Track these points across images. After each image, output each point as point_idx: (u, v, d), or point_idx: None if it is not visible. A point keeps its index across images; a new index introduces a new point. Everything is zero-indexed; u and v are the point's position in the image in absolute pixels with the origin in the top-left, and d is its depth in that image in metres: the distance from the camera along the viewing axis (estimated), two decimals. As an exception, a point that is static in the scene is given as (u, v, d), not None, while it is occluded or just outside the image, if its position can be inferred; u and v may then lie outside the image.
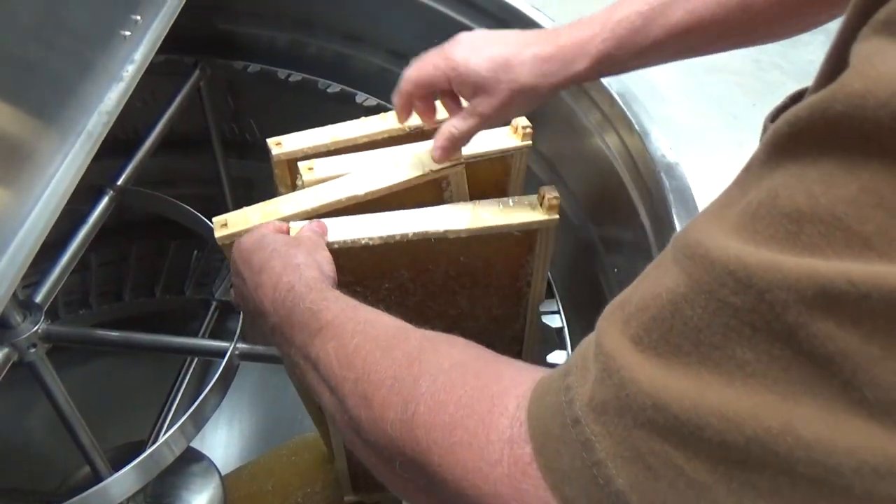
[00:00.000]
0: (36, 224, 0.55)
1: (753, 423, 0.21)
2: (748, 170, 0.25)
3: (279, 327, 0.47)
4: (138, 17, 0.65)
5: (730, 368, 0.22)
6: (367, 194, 0.66)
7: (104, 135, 0.60)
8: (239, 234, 0.63)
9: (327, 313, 0.43)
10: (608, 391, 0.25)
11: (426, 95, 0.64)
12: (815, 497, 0.21)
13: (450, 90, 0.62)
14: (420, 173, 0.67)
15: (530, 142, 0.72)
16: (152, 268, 1.20)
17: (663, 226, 0.65)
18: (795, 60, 2.43)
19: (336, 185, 0.67)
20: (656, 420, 0.23)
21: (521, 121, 0.72)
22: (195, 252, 1.22)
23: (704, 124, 2.12)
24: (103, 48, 0.61)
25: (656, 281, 0.25)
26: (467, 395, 0.31)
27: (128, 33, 0.63)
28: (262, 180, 1.19)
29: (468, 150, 0.68)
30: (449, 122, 0.63)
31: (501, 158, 0.73)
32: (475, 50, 0.59)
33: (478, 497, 0.29)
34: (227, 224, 0.64)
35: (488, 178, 0.75)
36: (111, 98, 0.61)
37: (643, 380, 0.24)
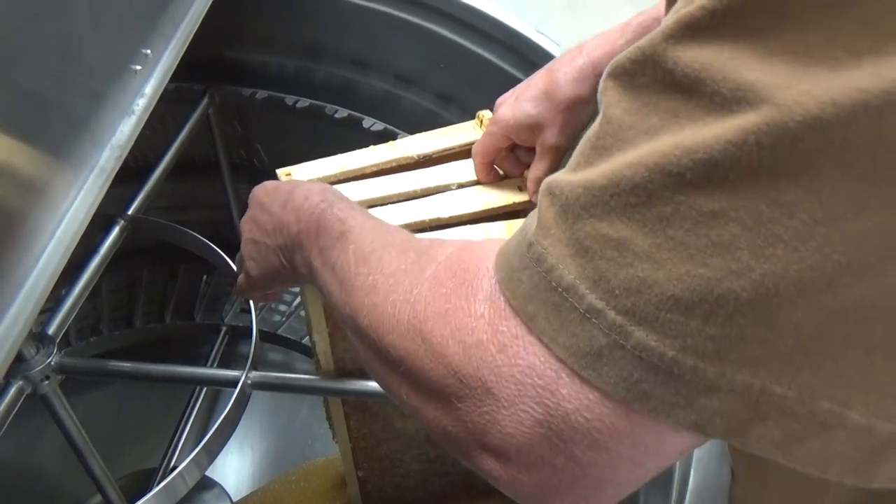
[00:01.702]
0: (51, 260, 0.55)
1: (653, 156, 0.24)
2: None
3: (301, 235, 0.49)
4: (148, 51, 0.65)
5: (637, 138, 0.25)
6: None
7: (116, 169, 0.61)
8: None
9: (352, 220, 0.46)
10: (554, 209, 0.28)
11: (501, 159, 0.69)
12: (705, 199, 0.23)
13: (513, 146, 0.67)
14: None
15: None
16: (162, 293, 1.20)
17: None
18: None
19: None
20: (587, 203, 0.26)
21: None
22: (204, 277, 1.22)
23: None
24: (115, 82, 0.61)
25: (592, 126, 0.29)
26: (461, 269, 0.34)
27: (138, 67, 0.64)
28: (271, 204, 1.20)
29: (482, 206, 0.70)
30: (532, 170, 0.67)
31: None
32: (516, 102, 0.65)
33: (462, 352, 0.31)
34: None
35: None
36: (123, 132, 0.62)
37: (577, 179, 0.27)
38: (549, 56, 0.82)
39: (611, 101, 0.27)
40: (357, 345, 0.40)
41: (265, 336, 1.17)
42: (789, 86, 0.22)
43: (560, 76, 0.62)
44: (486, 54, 0.89)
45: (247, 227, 0.58)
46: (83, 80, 0.58)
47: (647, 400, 0.26)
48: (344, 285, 0.41)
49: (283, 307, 1.23)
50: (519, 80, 0.86)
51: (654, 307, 0.25)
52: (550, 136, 0.63)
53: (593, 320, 0.26)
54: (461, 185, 0.72)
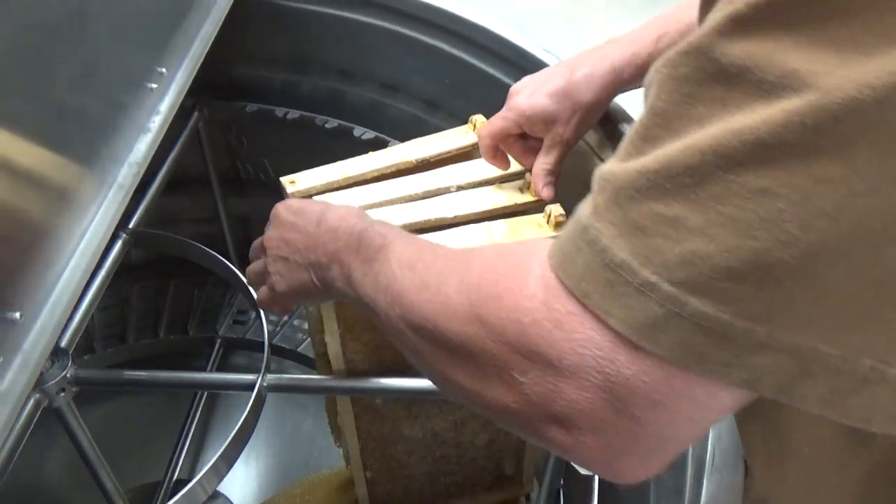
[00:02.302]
0: (74, 274, 0.57)
1: (705, 140, 0.27)
2: None
3: (340, 252, 0.52)
4: (163, 70, 0.67)
5: (690, 126, 0.28)
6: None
7: (135, 185, 0.62)
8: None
9: (392, 235, 0.49)
10: (606, 194, 0.30)
11: (510, 143, 0.71)
12: (754, 178, 0.26)
13: (522, 135, 0.69)
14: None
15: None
16: (154, 309, 1.21)
17: None
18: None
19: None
20: (641, 186, 0.29)
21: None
22: (195, 291, 1.23)
23: None
24: (132, 100, 0.63)
25: (639, 116, 0.31)
26: (512, 259, 0.37)
27: (154, 85, 0.66)
28: (259, 217, 1.20)
29: (485, 206, 0.72)
30: (538, 163, 0.69)
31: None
32: (534, 92, 0.67)
33: (519, 329, 0.33)
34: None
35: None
36: (140, 149, 0.63)
37: (631, 166, 0.30)
38: (533, 59, 0.84)
39: (659, 93, 0.29)
40: (409, 342, 0.42)
41: (256, 346, 1.18)
42: (830, 72, 0.24)
43: (582, 79, 0.66)
44: (471, 59, 0.91)
45: (274, 245, 0.59)
46: (104, 98, 0.59)
47: (703, 362, 0.28)
48: (390, 289, 0.44)
49: (273, 317, 1.24)
50: (504, 84, 0.89)
51: (708, 277, 0.27)
52: (564, 132, 0.67)
53: (648, 293, 0.28)
54: (461, 187, 0.74)
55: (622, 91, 0.68)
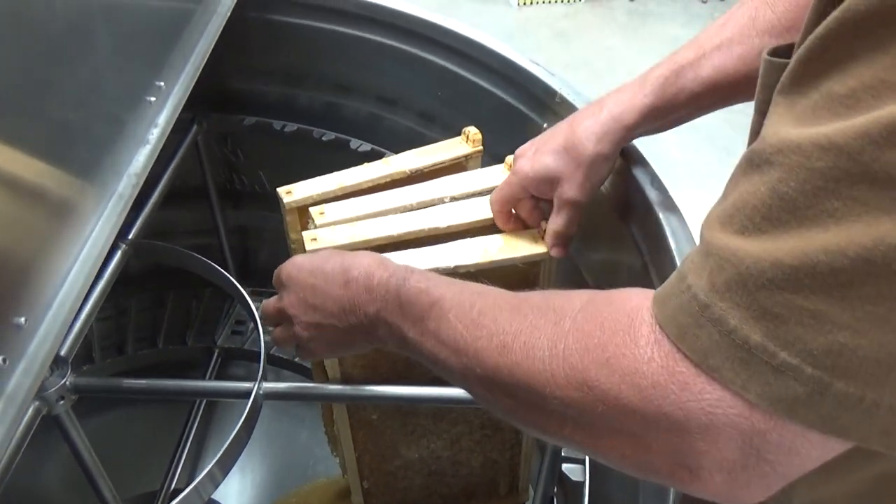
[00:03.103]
0: (75, 284, 0.58)
1: (853, 246, 0.28)
2: (785, 89, 0.32)
3: (382, 312, 0.52)
4: (162, 83, 0.69)
5: (823, 219, 0.29)
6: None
7: (134, 196, 0.63)
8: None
9: (436, 290, 0.49)
10: (727, 274, 0.31)
11: (521, 205, 0.70)
12: None
13: (531, 198, 0.68)
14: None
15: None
16: (153, 319, 1.22)
17: (661, 258, 0.68)
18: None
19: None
20: (775, 277, 0.30)
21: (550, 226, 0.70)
22: (194, 301, 1.24)
23: (697, 159, 2.19)
24: (132, 113, 0.65)
25: (747, 186, 0.32)
26: (608, 320, 0.37)
27: (153, 98, 0.67)
28: (256, 228, 1.22)
29: (477, 217, 0.72)
30: (550, 223, 0.68)
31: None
32: (535, 154, 0.66)
33: (638, 393, 0.34)
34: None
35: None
36: (139, 160, 0.65)
37: (757, 252, 0.30)
38: (527, 74, 0.86)
39: (787, 178, 0.30)
40: (497, 403, 0.43)
41: (254, 356, 1.19)
42: None
43: (581, 131, 0.64)
44: (465, 73, 0.93)
45: (300, 311, 0.58)
46: (104, 111, 0.60)
47: (844, 432, 0.31)
48: (462, 351, 0.44)
49: (270, 328, 1.25)
50: (496, 96, 0.91)
51: (857, 366, 0.29)
52: (569, 190, 0.65)
53: (788, 374, 0.30)
54: (454, 198, 0.76)
55: (631, 139, 0.66)
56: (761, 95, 0.36)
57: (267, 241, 1.22)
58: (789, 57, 0.32)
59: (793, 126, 0.30)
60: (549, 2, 2.94)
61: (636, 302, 0.37)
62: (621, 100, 0.63)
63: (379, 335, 0.54)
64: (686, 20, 2.90)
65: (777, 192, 0.30)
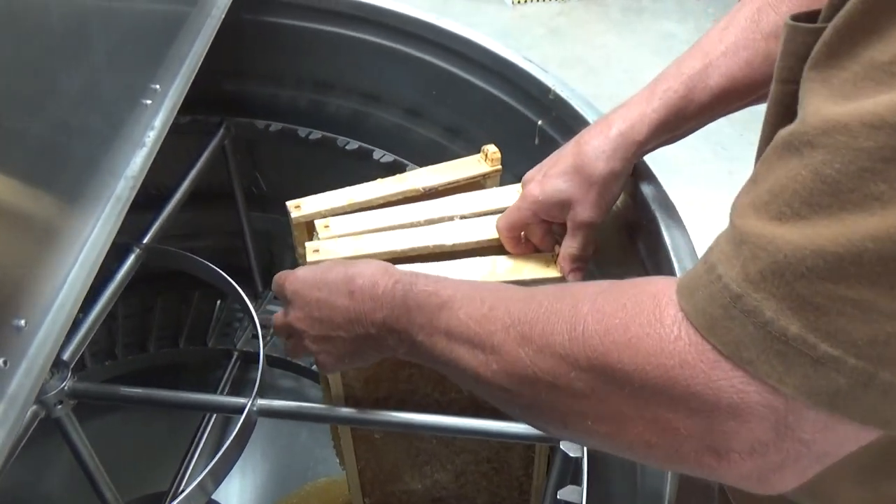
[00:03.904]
0: (74, 286, 0.58)
1: None
2: (819, 63, 0.30)
3: (389, 319, 0.51)
4: (157, 86, 0.69)
5: (868, 203, 0.27)
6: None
7: (131, 198, 0.63)
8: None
9: (445, 291, 0.48)
10: (762, 263, 0.30)
11: (531, 231, 0.68)
12: None
13: (542, 222, 0.66)
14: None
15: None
16: (176, 318, 1.23)
17: (660, 263, 0.66)
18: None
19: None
20: (816, 266, 0.28)
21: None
22: (218, 302, 1.24)
23: (694, 156, 2.16)
24: (128, 116, 0.65)
25: (785, 170, 0.30)
26: (631, 302, 0.36)
27: (149, 101, 0.67)
28: (282, 233, 1.22)
29: (486, 236, 0.70)
30: (564, 245, 0.66)
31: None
32: (545, 178, 0.64)
33: (664, 373, 0.33)
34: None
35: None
36: (136, 163, 0.65)
37: (797, 240, 0.29)
38: (556, 96, 0.83)
39: (831, 160, 0.28)
40: (514, 397, 0.41)
41: (275, 362, 1.19)
42: None
43: (590, 150, 0.61)
44: (491, 90, 0.91)
45: (307, 326, 0.57)
46: (101, 114, 0.61)
47: (887, 424, 0.30)
48: (478, 346, 0.43)
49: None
50: (522, 115, 0.88)
51: None
52: (582, 212, 0.62)
53: (830, 365, 0.29)
54: (463, 217, 0.73)
55: (642, 154, 0.64)
56: (783, 63, 0.34)
57: (291, 246, 1.22)
58: (812, 22, 0.31)
59: (833, 103, 0.28)
60: (544, 0, 2.92)
61: (661, 285, 0.36)
62: (629, 116, 0.61)
63: (388, 344, 0.53)
64: (681, 16, 2.83)
65: (819, 175, 0.28)
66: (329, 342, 0.57)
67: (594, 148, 0.61)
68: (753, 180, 0.33)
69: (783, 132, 0.31)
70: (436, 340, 0.46)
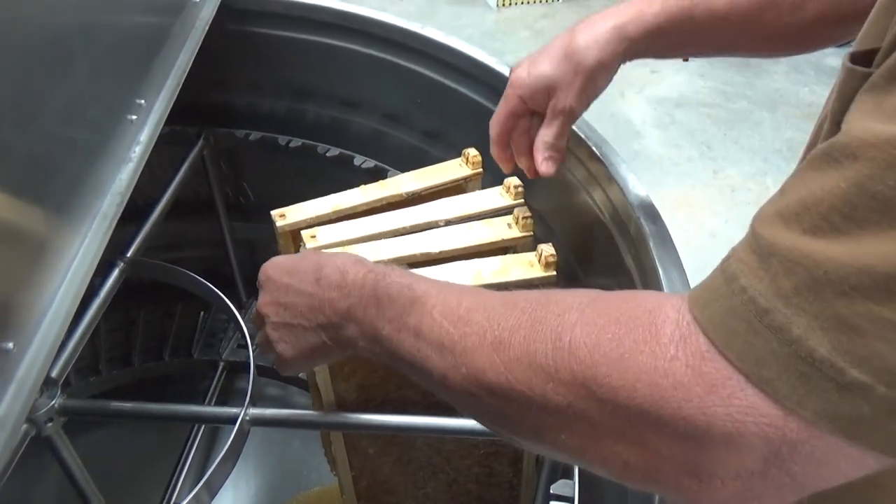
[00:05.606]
0: (62, 304, 0.58)
1: None
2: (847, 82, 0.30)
3: (354, 309, 0.48)
4: (142, 101, 0.69)
5: None
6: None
7: (118, 215, 0.63)
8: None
9: (419, 286, 0.45)
10: (798, 278, 0.28)
11: (517, 137, 0.66)
12: None
13: (528, 112, 0.64)
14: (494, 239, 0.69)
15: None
16: (160, 331, 1.22)
17: (647, 274, 0.67)
18: (761, 89, 2.49)
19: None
20: (860, 285, 0.27)
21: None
22: (201, 314, 1.24)
23: (679, 154, 2.18)
24: (113, 132, 0.64)
25: (821, 182, 0.29)
26: (624, 315, 0.34)
27: (134, 117, 0.67)
28: (264, 241, 1.22)
29: (472, 241, 0.71)
30: (539, 135, 0.64)
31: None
32: (534, 62, 0.63)
33: (655, 393, 0.31)
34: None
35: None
36: (122, 179, 0.64)
37: (839, 256, 0.27)
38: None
39: (882, 175, 0.27)
40: (484, 405, 0.39)
41: (262, 371, 1.19)
42: None
43: (581, 39, 0.61)
44: (469, 93, 0.92)
45: (271, 311, 0.55)
46: (85, 131, 0.60)
47: None
48: (447, 349, 0.41)
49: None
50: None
51: None
52: (564, 99, 0.62)
53: (857, 392, 0.27)
54: (449, 222, 0.74)
55: (631, 56, 0.62)
56: (837, 104, 0.33)
57: (275, 254, 1.22)
58: (869, 65, 0.30)
59: (882, 122, 0.27)
60: (528, 2, 2.94)
61: (656, 301, 0.34)
62: (627, 12, 0.60)
63: (347, 334, 0.50)
64: (664, 18, 2.89)
65: (865, 190, 0.27)
66: (289, 330, 0.54)
67: (586, 37, 0.61)
68: (782, 191, 0.31)
69: (821, 145, 0.30)
70: (403, 337, 0.44)
